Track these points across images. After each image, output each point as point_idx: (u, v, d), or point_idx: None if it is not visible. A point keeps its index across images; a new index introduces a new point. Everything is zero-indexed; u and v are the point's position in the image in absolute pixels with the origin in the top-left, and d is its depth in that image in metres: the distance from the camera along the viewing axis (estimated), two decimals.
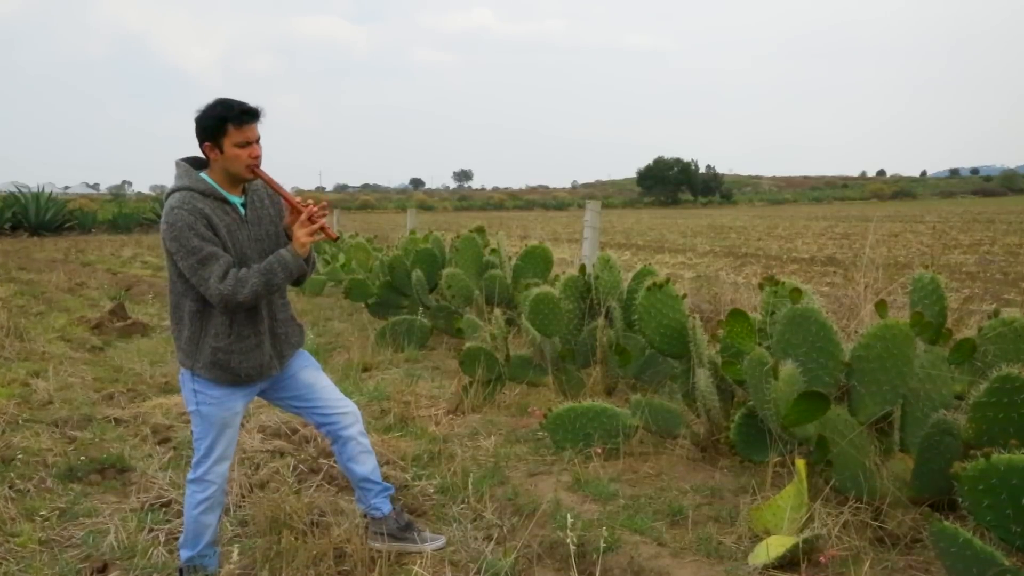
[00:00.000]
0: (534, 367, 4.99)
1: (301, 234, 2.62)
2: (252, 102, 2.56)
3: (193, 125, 2.56)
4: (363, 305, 8.23)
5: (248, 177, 2.62)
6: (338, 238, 2.88)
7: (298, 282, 2.82)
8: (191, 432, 2.80)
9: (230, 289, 2.48)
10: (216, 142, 2.54)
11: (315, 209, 2.62)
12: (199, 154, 2.63)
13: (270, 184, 2.69)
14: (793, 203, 69.28)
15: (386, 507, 3.04)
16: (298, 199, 2.68)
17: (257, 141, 2.59)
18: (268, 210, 2.74)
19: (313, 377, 2.91)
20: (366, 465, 3.00)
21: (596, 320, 4.74)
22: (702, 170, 71.91)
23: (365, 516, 3.10)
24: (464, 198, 79.97)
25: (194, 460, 2.75)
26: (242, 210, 2.66)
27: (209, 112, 2.53)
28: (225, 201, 2.60)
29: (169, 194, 2.57)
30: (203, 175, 2.60)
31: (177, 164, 2.62)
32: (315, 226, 2.62)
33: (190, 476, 2.76)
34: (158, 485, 3.69)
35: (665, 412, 3.92)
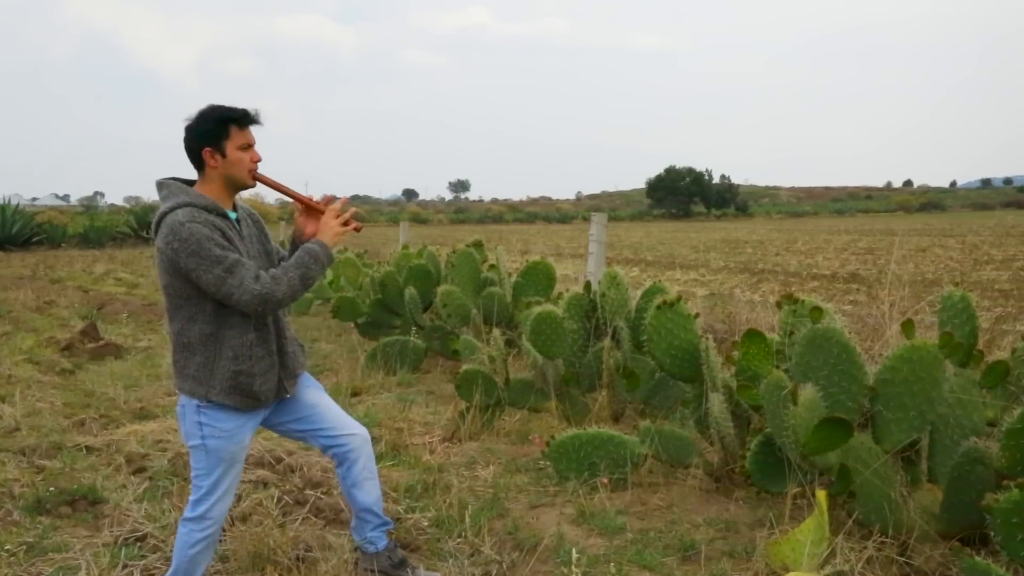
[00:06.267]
0: (536, 391, 5.00)
1: (334, 223, 2.70)
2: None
3: (184, 134, 2.60)
4: (352, 325, 8.26)
5: (249, 183, 2.66)
6: (361, 228, 2.91)
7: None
8: (190, 467, 2.75)
9: (268, 288, 2.51)
10: (218, 146, 2.58)
11: (337, 205, 2.74)
12: (177, 172, 2.68)
13: (276, 187, 2.75)
14: (814, 215, 69.47)
15: (382, 543, 3.05)
16: (308, 196, 2.76)
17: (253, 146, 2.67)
18: (253, 229, 2.79)
19: (316, 397, 2.92)
20: (371, 494, 3.00)
21: (602, 341, 4.75)
22: (716, 180, 72.16)
23: (356, 550, 3.11)
24: (460, 210, 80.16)
25: (193, 498, 2.72)
26: (237, 226, 2.69)
27: (208, 115, 2.59)
28: (224, 216, 2.63)
29: (165, 213, 2.53)
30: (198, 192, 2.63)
31: (164, 184, 2.61)
32: (345, 216, 2.72)
33: (188, 514, 2.72)
34: (132, 518, 3.69)
35: (676, 440, 3.93)
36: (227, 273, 2.47)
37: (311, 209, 2.78)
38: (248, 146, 2.62)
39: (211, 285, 2.48)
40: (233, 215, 2.69)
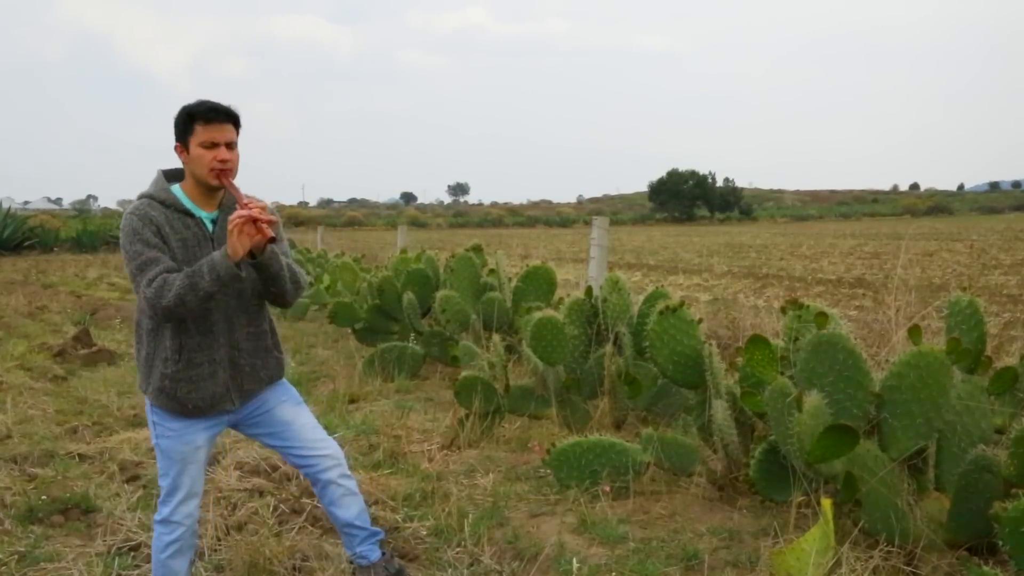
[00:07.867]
0: (536, 398, 5.01)
1: (232, 232, 2.45)
2: (226, 103, 2.60)
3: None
4: (349, 331, 8.25)
5: (213, 183, 2.59)
6: (273, 239, 2.52)
7: (281, 301, 2.75)
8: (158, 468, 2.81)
9: (153, 293, 2.48)
10: (184, 142, 2.60)
11: (256, 205, 2.48)
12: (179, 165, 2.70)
13: (232, 192, 2.62)
14: (819, 219, 69.54)
15: (374, 554, 3.04)
16: (246, 199, 2.55)
17: (229, 146, 2.59)
18: None
19: (292, 414, 2.89)
20: (350, 510, 2.98)
21: (604, 347, 4.76)
22: (719, 183, 72.22)
23: (351, 563, 3.11)
24: (460, 214, 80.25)
25: (159, 499, 2.76)
26: (210, 226, 2.67)
27: (181, 111, 2.61)
28: (187, 214, 2.62)
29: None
30: (175, 186, 2.65)
31: (156, 172, 2.71)
32: (239, 223, 2.43)
33: (156, 517, 2.76)
34: (126, 527, 3.69)
35: (679, 447, 3.93)
36: (138, 270, 2.52)
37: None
38: (213, 144, 2.55)
39: (129, 278, 2.56)
40: (208, 215, 2.67)
